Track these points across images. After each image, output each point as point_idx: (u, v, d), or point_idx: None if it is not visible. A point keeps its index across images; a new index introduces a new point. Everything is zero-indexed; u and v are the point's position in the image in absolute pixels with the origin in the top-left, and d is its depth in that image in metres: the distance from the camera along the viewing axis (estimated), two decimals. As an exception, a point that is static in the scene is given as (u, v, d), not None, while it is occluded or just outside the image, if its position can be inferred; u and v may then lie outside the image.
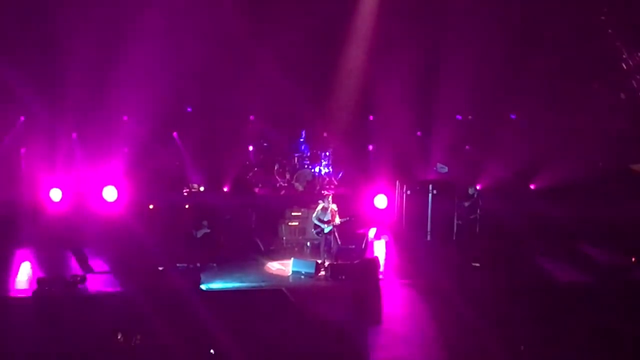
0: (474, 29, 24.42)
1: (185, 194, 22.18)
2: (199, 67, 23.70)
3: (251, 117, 24.99)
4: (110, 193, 22.72)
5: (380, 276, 19.07)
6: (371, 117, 25.77)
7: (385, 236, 22.52)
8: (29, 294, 16.12)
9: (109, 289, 17.57)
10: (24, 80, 22.46)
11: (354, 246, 20.67)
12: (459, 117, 26.20)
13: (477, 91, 25.43)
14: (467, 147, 26.17)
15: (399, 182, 23.44)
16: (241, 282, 18.43)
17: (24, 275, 18.08)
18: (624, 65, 24.37)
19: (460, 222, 22.00)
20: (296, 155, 22.80)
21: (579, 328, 15.60)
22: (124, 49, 22.97)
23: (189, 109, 24.09)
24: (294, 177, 22.28)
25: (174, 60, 23.71)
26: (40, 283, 16.20)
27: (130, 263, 19.21)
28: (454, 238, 22.10)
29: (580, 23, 24.52)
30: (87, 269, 18.28)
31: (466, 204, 21.43)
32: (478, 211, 21.53)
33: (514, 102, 25.52)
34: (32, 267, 18.93)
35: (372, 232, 22.74)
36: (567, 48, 24.84)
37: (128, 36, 22.86)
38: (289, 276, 19.07)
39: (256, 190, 22.60)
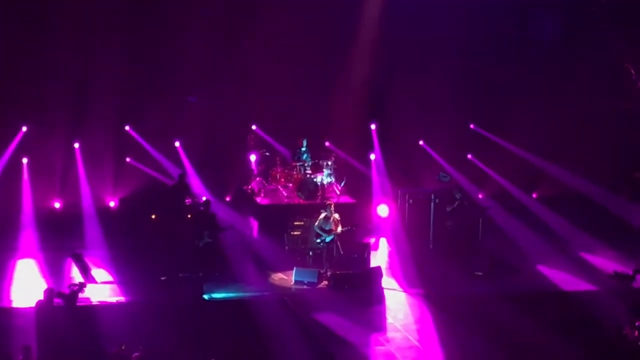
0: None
1: (188, 203, 22.12)
2: (201, 77, 23.69)
3: (253, 126, 24.94)
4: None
5: (383, 285, 19.10)
6: (373, 126, 25.68)
7: (388, 246, 22.50)
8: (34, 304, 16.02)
9: (111, 299, 17.52)
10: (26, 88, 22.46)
11: (356, 255, 20.59)
12: (461, 125, 26.11)
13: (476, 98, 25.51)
14: (469, 155, 26.07)
15: (401, 191, 23.41)
16: (243, 291, 18.39)
17: (32, 285, 18.00)
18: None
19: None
20: (298, 164, 22.75)
21: (584, 336, 15.57)
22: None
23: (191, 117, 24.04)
24: (296, 187, 22.23)
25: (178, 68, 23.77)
26: (45, 293, 16.09)
27: (132, 272, 19.18)
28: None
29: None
30: (89, 278, 18.18)
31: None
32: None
33: (517, 108, 25.47)
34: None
35: (381, 242, 22.72)
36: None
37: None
38: (291, 286, 19.03)
39: (258, 199, 22.54)
